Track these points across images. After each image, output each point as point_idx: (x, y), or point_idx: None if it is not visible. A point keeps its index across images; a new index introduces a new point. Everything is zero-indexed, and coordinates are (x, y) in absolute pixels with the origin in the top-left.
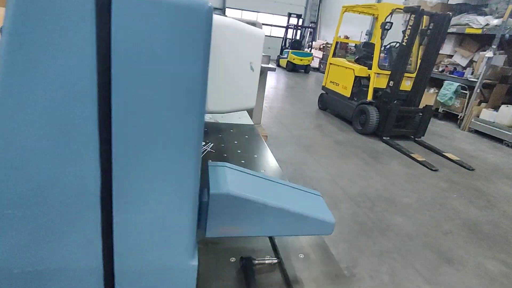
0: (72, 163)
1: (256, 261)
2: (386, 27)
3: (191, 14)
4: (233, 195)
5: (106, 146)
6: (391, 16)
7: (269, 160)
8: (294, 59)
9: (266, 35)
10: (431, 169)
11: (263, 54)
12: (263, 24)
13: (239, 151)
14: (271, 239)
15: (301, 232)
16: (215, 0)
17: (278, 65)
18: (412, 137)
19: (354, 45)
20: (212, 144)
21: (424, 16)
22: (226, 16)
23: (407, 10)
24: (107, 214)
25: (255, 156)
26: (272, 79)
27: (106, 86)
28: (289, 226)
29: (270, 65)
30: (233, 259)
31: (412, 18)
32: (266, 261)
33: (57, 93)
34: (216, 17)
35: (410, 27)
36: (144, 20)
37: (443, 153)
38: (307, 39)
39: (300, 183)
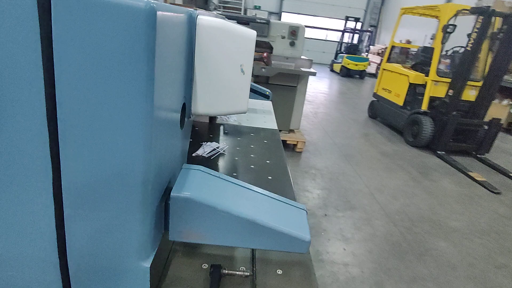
0: (25, 157)
1: (226, 271)
2: (448, 30)
3: (130, 14)
4: (194, 199)
5: (54, 141)
6: (455, 18)
7: (280, 167)
8: (348, 64)
9: (321, 39)
10: (492, 191)
11: (305, 57)
12: (317, 27)
13: (252, 156)
14: (253, 249)
15: (270, 246)
16: (272, 4)
17: (332, 70)
18: (474, 153)
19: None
20: (227, 147)
21: (497, 18)
22: (264, 18)
23: (474, 11)
24: (59, 208)
25: (267, 162)
26: (322, 84)
27: (51, 82)
28: (257, 239)
29: (311, 69)
30: (205, 266)
31: (480, 20)
32: (237, 273)
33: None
34: (204, 18)
35: (476, 30)
36: (85, 19)
37: (510, 174)
38: (365, 44)
39: (334, 194)
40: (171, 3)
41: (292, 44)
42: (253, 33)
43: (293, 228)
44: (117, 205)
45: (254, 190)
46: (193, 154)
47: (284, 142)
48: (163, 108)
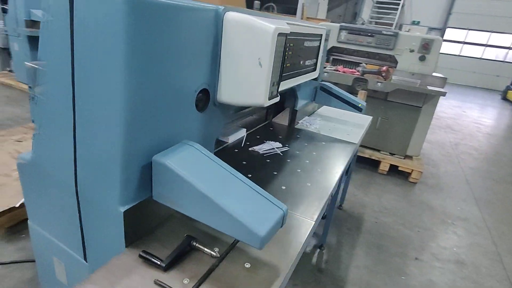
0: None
1: (196, 244)
2: None
3: (108, 5)
4: (169, 167)
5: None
6: None
7: (321, 181)
8: None
9: (494, 60)
10: None
11: (439, 75)
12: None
13: (307, 161)
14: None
15: (226, 230)
16: (434, 18)
17: (504, 98)
18: None
19: None
20: (287, 150)
21: None
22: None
23: None
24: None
25: (319, 170)
26: (481, 113)
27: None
28: (215, 219)
29: (441, 89)
30: (185, 235)
31: None
32: (205, 250)
33: None
34: (231, 14)
35: None
36: (92, 14)
37: None
38: None
39: (444, 240)
40: (308, 18)
41: (422, 58)
42: (271, 28)
43: (251, 219)
44: (108, 159)
45: (239, 179)
46: (250, 148)
47: (395, 168)
48: (154, 88)
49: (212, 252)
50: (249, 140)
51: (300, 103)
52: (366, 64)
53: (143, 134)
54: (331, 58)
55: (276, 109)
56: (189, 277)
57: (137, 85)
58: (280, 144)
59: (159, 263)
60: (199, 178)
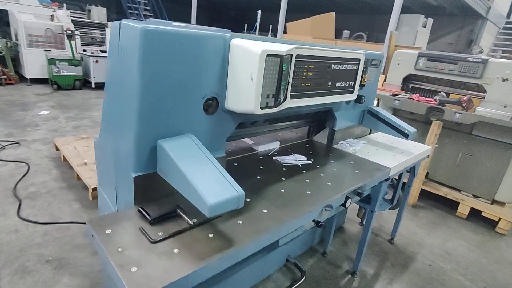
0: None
1: (179, 212)
2: None
3: (134, 31)
4: (164, 148)
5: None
6: None
7: (318, 191)
8: None
9: None
10: None
11: None
12: None
13: (322, 175)
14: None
15: (190, 198)
16: None
17: None
18: None
19: None
20: (310, 163)
21: None
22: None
23: None
24: (116, 131)
25: (328, 184)
26: None
27: None
28: (185, 189)
29: None
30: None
31: None
32: (186, 218)
33: None
34: (236, 40)
35: None
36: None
37: None
38: None
39: None
40: (398, 46)
41: None
42: (258, 50)
43: (206, 192)
44: (129, 141)
45: (214, 165)
46: (274, 158)
47: (477, 213)
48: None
49: (189, 220)
50: (281, 152)
51: (340, 123)
52: (450, 93)
53: (153, 125)
54: (410, 86)
55: (317, 128)
56: (164, 232)
57: (147, 93)
58: (305, 158)
59: (148, 217)
60: (181, 158)
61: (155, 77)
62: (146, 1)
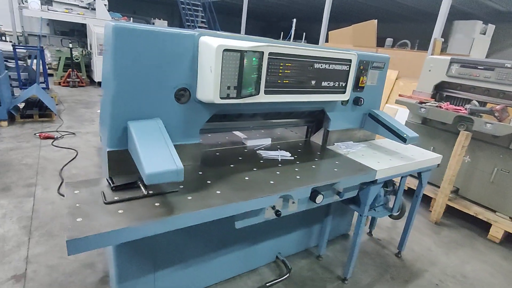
0: None
1: (139, 183)
2: None
3: (109, 28)
4: (130, 127)
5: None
6: None
7: (281, 181)
8: None
9: None
10: None
11: None
12: None
13: (296, 169)
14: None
15: (139, 168)
16: None
17: None
18: None
19: None
20: (291, 159)
21: None
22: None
23: None
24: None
25: (298, 177)
26: None
27: None
28: (137, 160)
29: None
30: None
31: None
32: (142, 188)
33: None
34: (204, 37)
35: None
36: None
37: None
38: None
39: None
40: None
41: None
42: (215, 44)
43: (148, 163)
44: (108, 121)
45: (167, 144)
46: (258, 151)
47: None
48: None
49: (144, 191)
50: (269, 148)
51: (335, 124)
52: (487, 103)
53: (125, 109)
54: (444, 95)
55: (316, 129)
56: (120, 197)
57: (119, 80)
58: (289, 154)
59: (111, 185)
60: (140, 136)
61: (127, 67)
62: (203, 14)
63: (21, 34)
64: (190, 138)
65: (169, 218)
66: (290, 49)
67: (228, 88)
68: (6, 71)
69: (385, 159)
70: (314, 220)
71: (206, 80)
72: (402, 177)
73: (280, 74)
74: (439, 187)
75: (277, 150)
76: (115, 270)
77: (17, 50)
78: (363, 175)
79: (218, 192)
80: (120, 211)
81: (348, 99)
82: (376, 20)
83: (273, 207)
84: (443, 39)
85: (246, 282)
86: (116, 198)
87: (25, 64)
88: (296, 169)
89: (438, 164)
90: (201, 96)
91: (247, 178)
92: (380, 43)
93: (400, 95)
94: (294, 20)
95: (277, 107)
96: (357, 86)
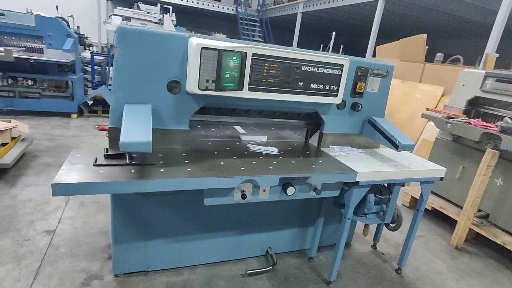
0: None
1: (125, 154)
2: None
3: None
4: (125, 106)
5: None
6: None
7: (252, 169)
8: None
9: None
10: None
11: None
12: None
13: (274, 162)
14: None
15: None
16: None
17: None
18: None
19: None
20: (275, 154)
21: None
22: None
23: None
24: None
25: (271, 168)
26: None
27: None
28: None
29: None
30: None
31: None
32: (127, 159)
33: None
34: (192, 39)
35: None
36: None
37: None
38: None
39: None
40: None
41: None
42: (194, 43)
43: (125, 134)
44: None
45: (148, 120)
46: (247, 144)
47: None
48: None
49: (127, 161)
50: (265, 144)
51: (329, 127)
52: None
53: (124, 95)
54: (481, 112)
55: (315, 132)
56: (107, 162)
57: (120, 71)
58: (277, 150)
59: (105, 153)
60: (128, 113)
61: (128, 60)
62: (260, 29)
63: (105, 45)
64: (179, 125)
65: (133, 181)
66: (273, 51)
67: (207, 81)
68: (82, 73)
69: (376, 164)
70: (309, 221)
71: (190, 74)
72: (394, 185)
73: (264, 74)
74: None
75: (267, 146)
76: (112, 232)
77: (94, 57)
78: (340, 174)
79: (189, 169)
80: (101, 171)
81: (345, 104)
82: (425, 35)
83: (243, 191)
84: (497, 55)
85: (231, 269)
86: (104, 163)
87: (100, 69)
88: (274, 162)
89: (442, 178)
90: (187, 88)
91: (222, 163)
92: (431, 58)
93: (427, 109)
94: (333, 33)
95: (266, 105)
96: (355, 92)
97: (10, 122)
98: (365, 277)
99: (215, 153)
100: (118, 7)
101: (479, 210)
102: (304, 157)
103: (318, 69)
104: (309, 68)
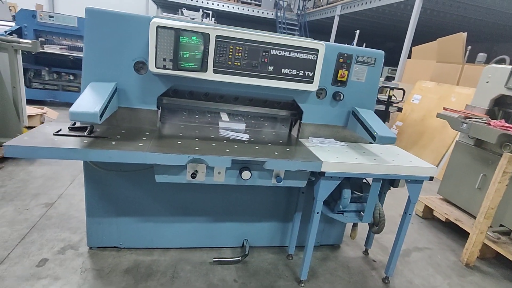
0: None
1: (88, 127)
2: None
3: (87, 11)
4: (89, 83)
5: None
6: None
7: (211, 150)
8: None
9: None
10: None
11: None
12: None
13: (235, 146)
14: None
15: None
16: None
17: None
18: None
19: None
20: (245, 140)
21: None
22: None
23: None
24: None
25: (227, 150)
26: None
27: None
28: None
29: None
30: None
31: None
32: (86, 131)
33: None
34: (154, 19)
35: None
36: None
37: None
38: None
39: None
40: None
41: None
42: (152, 22)
43: (77, 105)
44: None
45: (103, 96)
46: (220, 129)
47: None
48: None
49: (85, 133)
50: (237, 131)
51: (308, 117)
52: None
53: (92, 73)
54: (510, 113)
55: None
56: (66, 133)
57: (89, 50)
58: (248, 137)
59: (69, 126)
60: (88, 90)
61: (95, 40)
62: (298, 33)
63: None
64: (147, 105)
65: (76, 149)
66: (238, 34)
67: (164, 60)
68: None
69: (351, 157)
70: (290, 217)
71: (150, 52)
72: (373, 181)
73: (230, 56)
74: None
75: (243, 132)
76: (85, 205)
77: None
78: (300, 161)
79: (141, 144)
80: (55, 139)
81: (326, 93)
82: (465, 33)
83: (196, 171)
84: None
85: (202, 256)
86: (63, 133)
87: None
88: (235, 146)
89: (431, 177)
90: (149, 67)
91: (179, 142)
92: (473, 60)
93: (444, 109)
94: (357, 31)
95: (237, 90)
96: (337, 80)
97: (43, 109)
98: (344, 281)
99: (180, 134)
100: (163, 13)
101: (501, 225)
102: (273, 145)
103: (289, 54)
104: (279, 52)
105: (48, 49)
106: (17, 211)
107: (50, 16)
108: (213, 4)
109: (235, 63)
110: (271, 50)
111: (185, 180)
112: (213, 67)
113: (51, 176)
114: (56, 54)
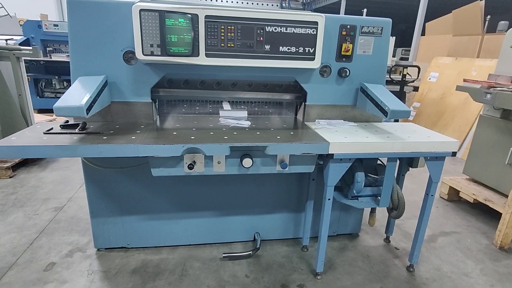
0: None
1: (80, 125)
2: None
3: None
4: (79, 78)
5: None
6: None
7: (209, 138)
8: None
9: None
10: None
11: None
12: None
13: (235, 133)
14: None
15: None
16: None
17: None
18: None
19: None
20: (245, 126)
21: None
22: None
23: None
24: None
25: (225, 138)
26: None
27: None
28: None
29: None
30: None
31: None
32: (78, 128)
33: None
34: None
35: None
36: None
37: None
38: None
39: None
40: None
41: None
42: (134, 6)
43: (65, 99)
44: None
45: (91, 89)
46: (220, 117)
47: None
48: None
49: (77, 130)
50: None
51: (312, 98)
52: None
53: (80, 67)
54: None
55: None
56: (57, 131)
57: (74, 43)
58: (249, 123)
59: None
60: (76, 85)
61: (79, 32)
62: None
63: None
64: (141, 97)
65: (64, 145)
66: (229, 12)
67: (151, 46)
68: None
69: (362, 136)
70: (300, 207)
71: (135, 39)
72: (388, 161)
73: (222, 38)
74: None
75: (244, 120)
76: (88, 206)
77: None
78: (304, 144)
79: (133, 137)
80: (44, 138)
81: (331, 71)
82: (482, 1)
83: (194, 162)
84: None
85: (212, 252)
86: (54, 131)
87: None
88: (235, 133)
89: (454, 153)
90: (137, 55)
91: (175, 133)
92: (493, 30)
93: (464, 80)
94: (365, 10)
95: (233, 74)
96: (341, 56)
97: (52, 116)
98: (364, 272)
99: (177, 126)
100: None
101: None
102: (276, 130)
103: (286, 29)
104: (275, 29)
105: (56, 57)
106: (27, 216)
107: (55, 25)
108: None
109: (229, 45)
110: (266, 27)
111: (183, 173)
112: (205, 51)
113: (61, 180)
114: (64, 62)
